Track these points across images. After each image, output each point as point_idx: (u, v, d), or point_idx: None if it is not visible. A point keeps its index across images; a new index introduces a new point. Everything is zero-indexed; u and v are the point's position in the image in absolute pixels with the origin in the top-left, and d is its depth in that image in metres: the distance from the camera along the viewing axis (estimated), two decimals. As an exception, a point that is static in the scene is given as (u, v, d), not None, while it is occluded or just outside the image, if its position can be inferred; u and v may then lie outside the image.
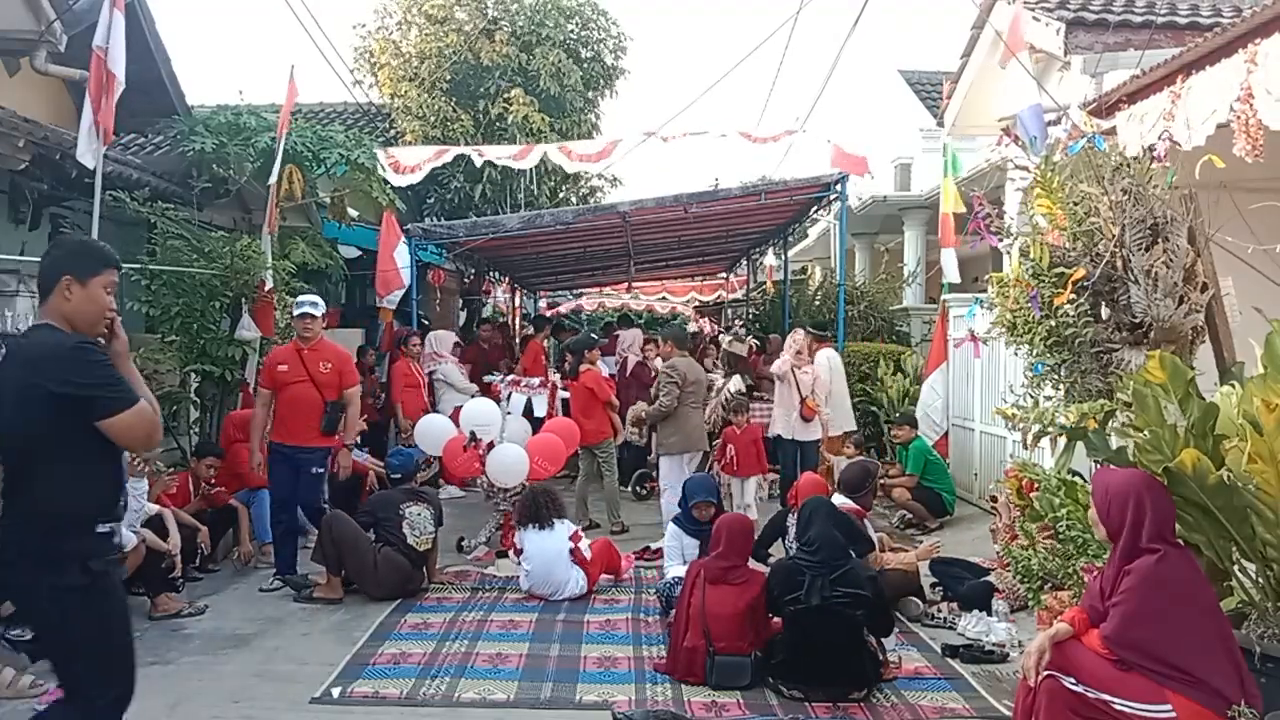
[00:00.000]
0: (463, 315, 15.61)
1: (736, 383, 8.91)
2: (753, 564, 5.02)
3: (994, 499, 6.24)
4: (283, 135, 7.96)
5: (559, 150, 11.63)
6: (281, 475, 6.26)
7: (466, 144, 15.16)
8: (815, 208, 12.67)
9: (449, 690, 4.50)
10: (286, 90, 8.07)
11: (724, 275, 19.78)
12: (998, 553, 5.83)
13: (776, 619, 4.72)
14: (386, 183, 10.28)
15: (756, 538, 5.86)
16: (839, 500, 5.75)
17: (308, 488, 6.29)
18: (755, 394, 9.63)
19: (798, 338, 8.54)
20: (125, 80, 6.26)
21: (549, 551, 6.06)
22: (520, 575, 6.18)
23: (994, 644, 5.03)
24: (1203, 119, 4.91)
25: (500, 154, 11.82)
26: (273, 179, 7.92)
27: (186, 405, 7.90)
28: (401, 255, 10.17)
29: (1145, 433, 3.78)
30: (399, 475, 6.57)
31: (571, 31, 16.90)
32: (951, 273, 9.39)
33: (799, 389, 8.22)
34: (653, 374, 9.52)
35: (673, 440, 7.43)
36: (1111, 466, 3.90)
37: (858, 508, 5.85)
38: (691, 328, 22.34)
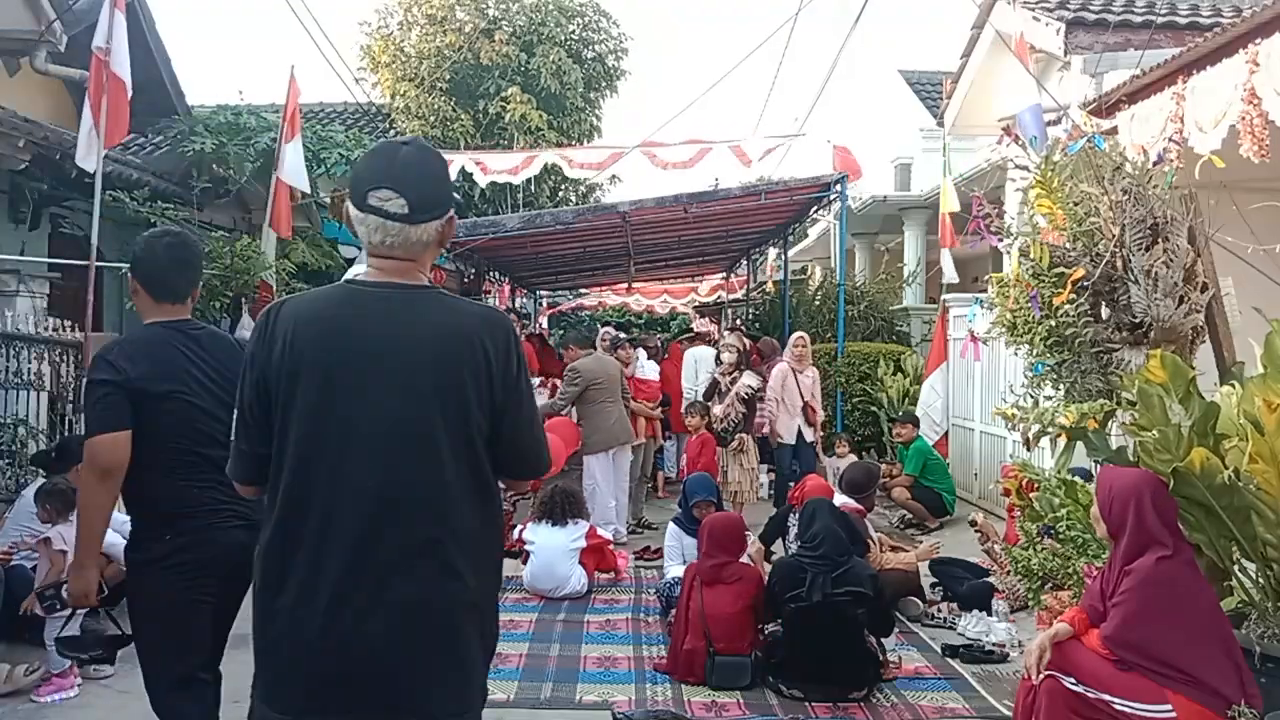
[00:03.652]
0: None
1: (751, 380, 8.84)
2: (745, 560, 5.01)
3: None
4: (296, 135, 7.92)
5: (560, 157, 11.64)
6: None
7: (466, 144, 15.17)
8: (815, 208, 12.66)
9: (449, 690, 4.49)
10: (289, 91, 8.06)
11: (724, 275, 19.76)
12: (998, 550, 5.82)
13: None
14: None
15: (760, 534, 5.91)
16: (841, 499, 5.76)
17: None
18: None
19: (800, 341, 8.53)
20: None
21: (555, 548, 6.10)
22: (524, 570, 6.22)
23: (994, 644, 5.02)
24: (1214, 121, 4.91)
25: (499, 166, 11.79)
26: (301, 183, 7.88)
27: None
28: None
29: (1154, 432, 3.78)
30: None
31: (573, 32, 16.92)
32: (949, 273, 9.42)
33: (801, 393, 8.22)
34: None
35: (594, 439, 7.45)
36: (1112, 466, 3.89)
37: (859, 507, 5.85)
38: (694, 328, 22.36)
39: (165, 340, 2.86)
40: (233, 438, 2.01)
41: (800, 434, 8.24)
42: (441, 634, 1.92)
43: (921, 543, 6.61)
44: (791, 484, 7.27)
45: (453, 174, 11.20)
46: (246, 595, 2.91)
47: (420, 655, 1.89)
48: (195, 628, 2.88)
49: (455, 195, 12.03)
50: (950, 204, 9.48)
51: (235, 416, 1.99)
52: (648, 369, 9.47)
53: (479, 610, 2.01)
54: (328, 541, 1.87)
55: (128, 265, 3.03)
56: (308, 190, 7.98)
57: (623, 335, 9.90)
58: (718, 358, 9.30)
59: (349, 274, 4.20)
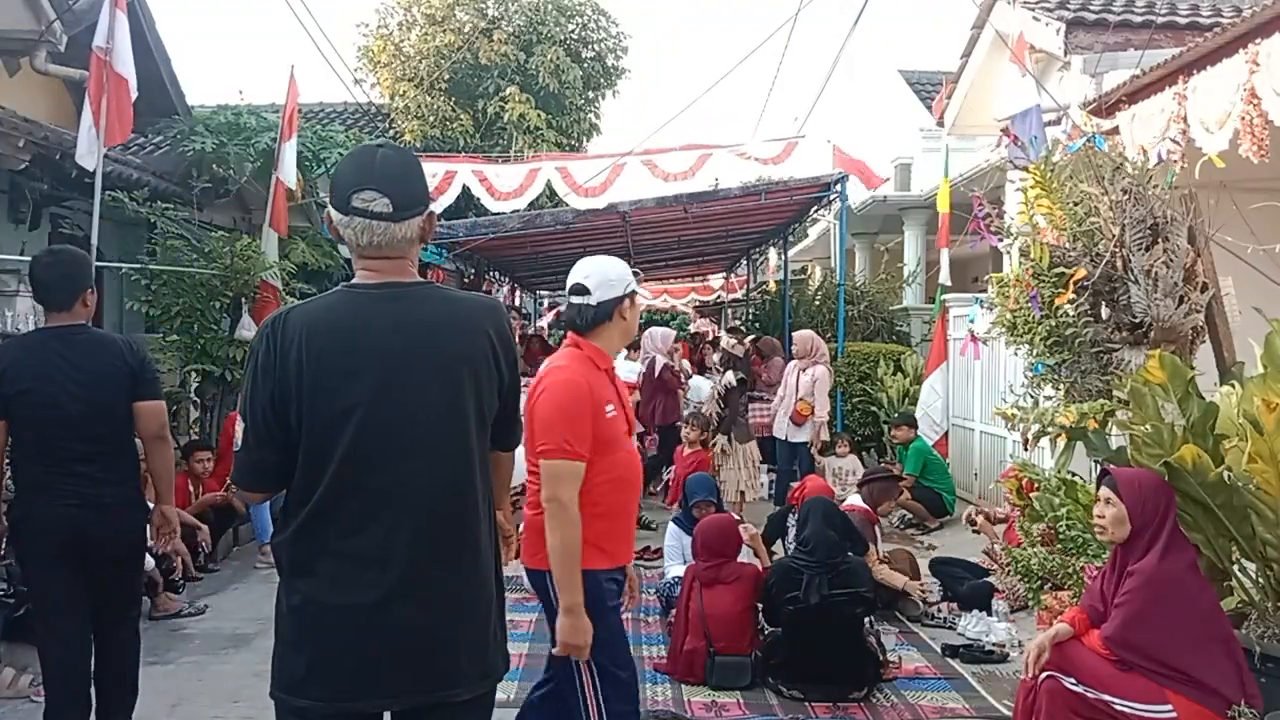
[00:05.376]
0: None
1: (730, 377, 8.83)
2: (743, 559, 5.01)
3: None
4: (293, 135, 7.91)
5: (562, 179, 11.56)
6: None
7: (465, 144, 15.16)
8: (815, 208, 12.66)
9: (449, 690, 4.48)
10: (288, 91, 8.04)
11: (724, 275, 19.78)
12: (998, 550, 5.82)
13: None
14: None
15: (760, 532, 5.91)
16: (853, 500, 5.74)
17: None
18: (754, 395, 9.61)
19: (797, 339, 8.53)
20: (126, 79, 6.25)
21: None
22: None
23: (994, 644, 5.02)
24: (1218, 121, 4.90)
25: (503, 186, 11.69)
26: (292, 180, 7.87)
27: (186, 405, 7.90)
28: None
29: (1146, 427, 3.78)
30: None
31: (572, 31, 16.92)
32: (944, 275, 9.44)
33: (797, 390, 8.21)
34: (684, 377, 9.53)
35: None
36: (1114, 466, 3.89)
37: (866, 508, 5.85)
38: (692, 328, 22.41)
39: (40, 344, 3.38)
40: (239, 449, 2.04)
41: (789, 434, 8.24)
42: (474, 606, 2.05)
43: (922, 542, 6.60)
44: (791, 483, 7.28)
45: (455, 191, 11.22)
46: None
47: (456, 628, 2.01)
48: (38, 592, 3.43)
49: (455, 196, 11.70)
50: (947, 205, 9.49)
51: (245, 428, 2.02)
52: (623, 369, 9.46)
53: (497, 576, 2.15)
54: (367, 530, 1.95)
55: (129, 265, 3.31)
56: (294, 187, 7.96)
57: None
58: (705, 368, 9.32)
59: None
